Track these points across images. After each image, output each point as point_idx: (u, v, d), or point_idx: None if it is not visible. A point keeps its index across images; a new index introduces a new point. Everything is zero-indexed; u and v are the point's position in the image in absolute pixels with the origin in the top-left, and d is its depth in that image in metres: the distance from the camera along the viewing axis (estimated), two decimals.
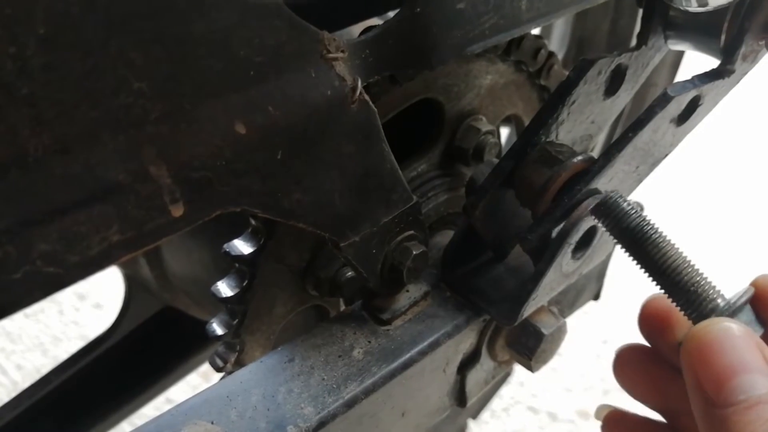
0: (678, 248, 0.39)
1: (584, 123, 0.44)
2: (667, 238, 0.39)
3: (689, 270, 0.38)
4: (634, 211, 0.39)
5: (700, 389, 0.31)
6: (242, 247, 0.43)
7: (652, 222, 0.39)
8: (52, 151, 0.24)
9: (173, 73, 0.27)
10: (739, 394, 0.30)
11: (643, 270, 0.40)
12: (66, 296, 1.47)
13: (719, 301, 0.38)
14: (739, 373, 0.31)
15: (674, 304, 0.39)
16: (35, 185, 0.25)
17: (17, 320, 1.45)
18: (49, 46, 0.23)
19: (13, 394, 0.70)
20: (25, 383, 0.71)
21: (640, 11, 0.46)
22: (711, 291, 0.38)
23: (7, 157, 0.24)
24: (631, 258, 0.40)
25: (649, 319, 0.45)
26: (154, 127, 0.27)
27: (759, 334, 0.37)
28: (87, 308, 1.50)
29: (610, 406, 0.48)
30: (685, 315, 0.39)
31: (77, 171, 0.25)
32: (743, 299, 0.38)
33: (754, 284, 0.39)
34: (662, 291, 0.40)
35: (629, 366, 0.47)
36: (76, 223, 0.25)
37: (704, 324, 0.34)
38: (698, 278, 0.38)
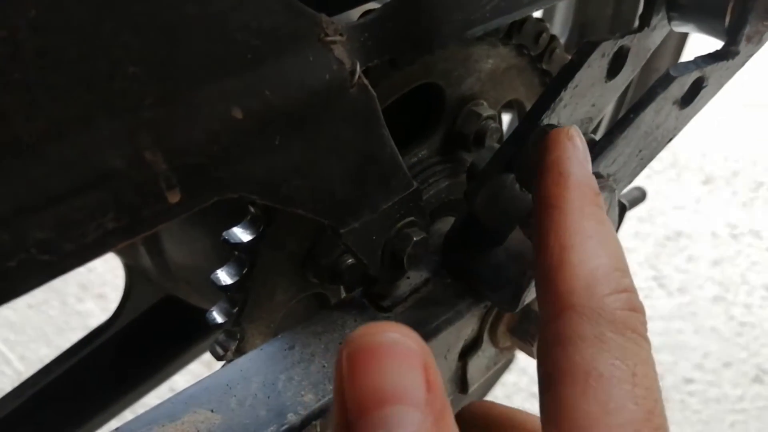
0: None
1: (585, 106, 0.43)
2: None
3: None
4: None
5: (343, 406, 0.25)
6: (241, 234, 0.43)
7: None
8: (47, 137, 0.24)
9: (168, 57, 0.26)
10: (380, 429, 0.24)
11: None
12: (69, 286, 1.48)
13: None
14: (388, 403, 0.24)
15: None
16: (30, 172, 0.24)
17: (21, 311, 1.45)
18: (41, 29, 0.23)
19: (17, 384, 0.70)
20: (29, 373, 0.71)
21: None
22: None
23: (0, 143, 0.23)
24: None
25: None
26: (150, 112, 0.26)
27: None
28: (90, 298, 1.50)
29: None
30: None
31: (72, 157, 0.25)
32: None
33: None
34: None
35: None
36: (71, 210, 0.25)
37: (372, 328, 0.26)
38: None
